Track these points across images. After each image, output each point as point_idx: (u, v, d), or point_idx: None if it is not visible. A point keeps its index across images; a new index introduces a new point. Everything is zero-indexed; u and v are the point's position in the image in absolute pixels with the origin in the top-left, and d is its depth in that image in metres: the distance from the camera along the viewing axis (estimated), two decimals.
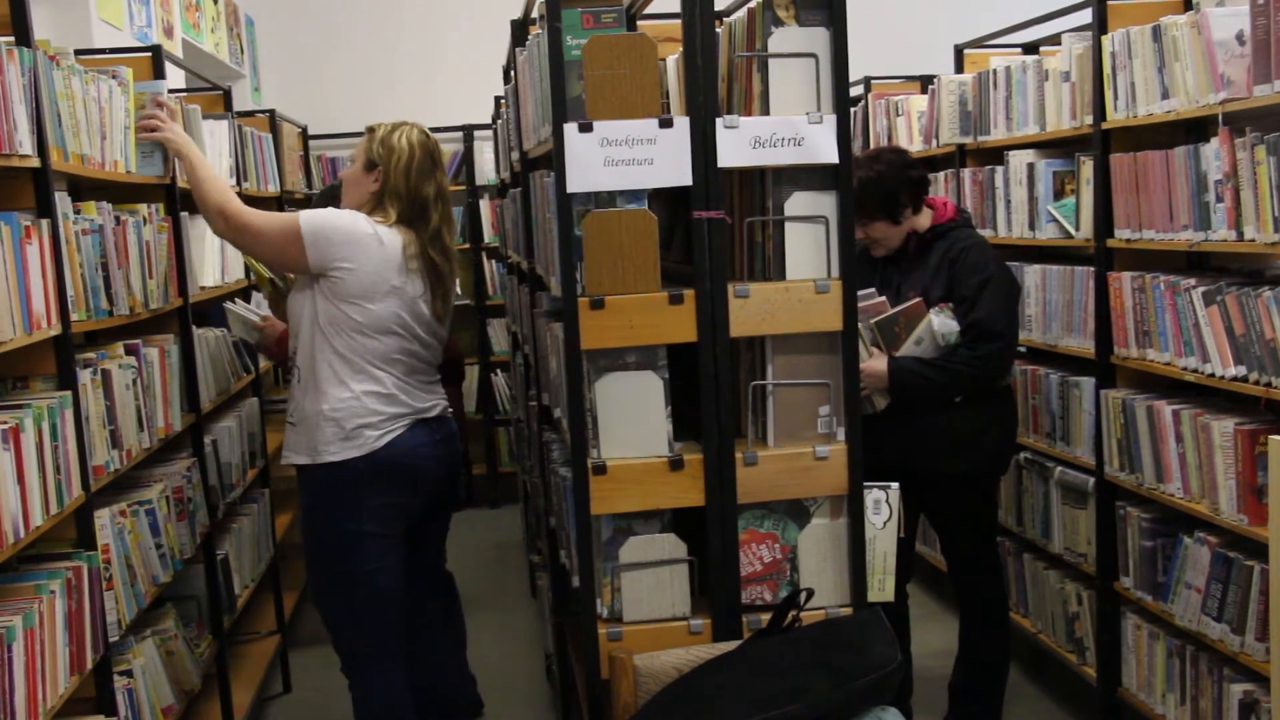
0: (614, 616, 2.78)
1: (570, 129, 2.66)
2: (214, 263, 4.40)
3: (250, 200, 5.13)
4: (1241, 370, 3.21)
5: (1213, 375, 3.32)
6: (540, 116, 3.12)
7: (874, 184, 3.66)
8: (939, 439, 3.67)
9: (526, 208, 3.91)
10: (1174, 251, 3.61)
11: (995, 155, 4.72)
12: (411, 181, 3.38)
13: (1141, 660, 3.83)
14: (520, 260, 4.56)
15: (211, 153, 4.45)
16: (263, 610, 4.97)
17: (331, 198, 4.13)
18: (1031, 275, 4.37)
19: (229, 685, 4.15)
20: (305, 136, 7.48)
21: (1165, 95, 3.49)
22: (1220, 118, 3.24)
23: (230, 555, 4.30)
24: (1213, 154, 3.27)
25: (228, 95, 5.04)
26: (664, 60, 3.22)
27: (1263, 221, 3.07)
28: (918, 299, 3.64)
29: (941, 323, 3.59)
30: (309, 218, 3.28)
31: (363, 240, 3.26)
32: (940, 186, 5.13)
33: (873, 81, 6.31)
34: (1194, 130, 3.64)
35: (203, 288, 4.22)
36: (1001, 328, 3.60)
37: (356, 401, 3.26)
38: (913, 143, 5.57)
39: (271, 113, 6.12)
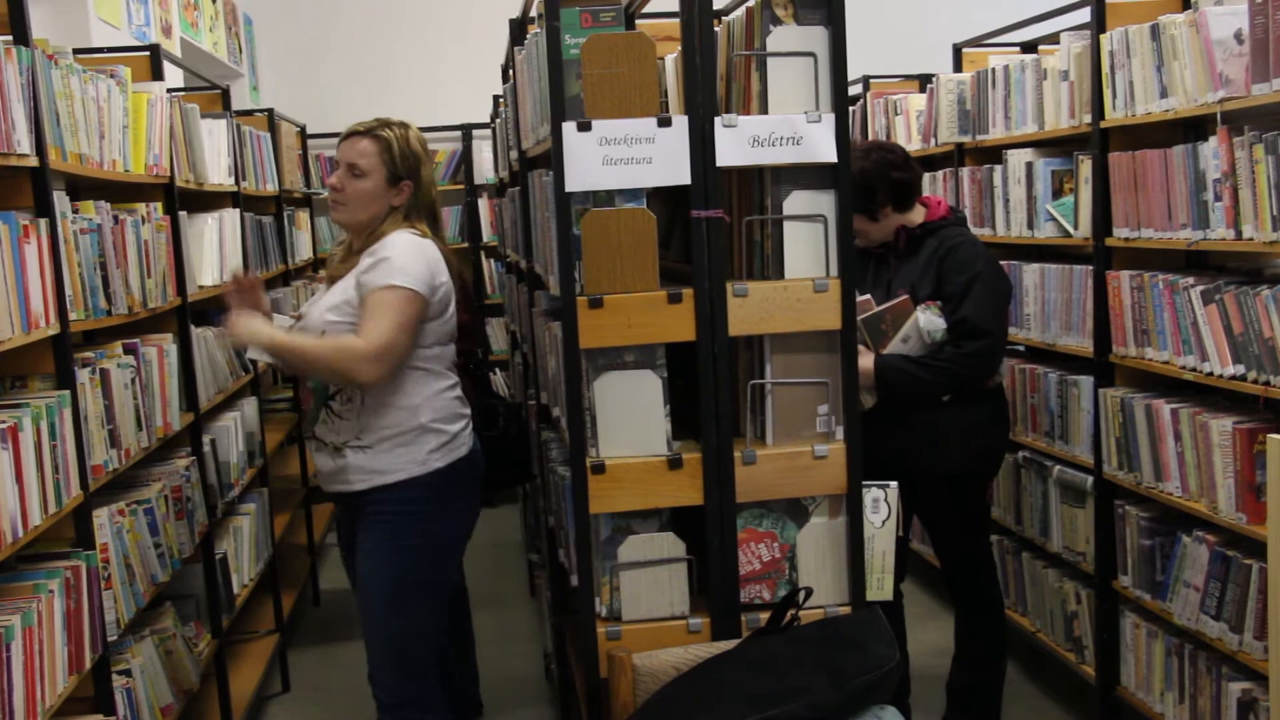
0: (613, 615, 2.78)
1: (569, 128, 2.66)
2: (213, 261, 4.40)
3: (249, 200, 5.16)
4: (1240, 369, 3.21)
5: (1211, 374, 3.32)
6: (538, 115, 3.12)
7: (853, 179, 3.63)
8: (927, 438, 3.65)
9: (525, 207, 3.91)
10: (1172, 250, 3.61)
11: (994, 154, 4.72)
12: (435, 189, 3.36)
13: (1140, 659, 3.83)
14: (519, 259, 4.56)
15: (210, 152, 4.46)
16: (262, 609, 4.97)
17: None
18: (1030, 274, 4.37)
19: (228, 684, 4.16)
20: (304, 135, 7.48)
21: (1164, 94, 3.49)
22: (1219, 117, 3.24)
23: (229, 554, 4.30)
24: (1211, 153, 3.27)
25: (226, 94, 5.04)
26: (662, 59, 3.21)
27: (1261, 220, 3.07)
28: (904, 296, 3.63)
29: (927, 320, 3.58)
30: (415, 278, 3.07)
31: (437, 260, 3.19)
32: (939, 185, 5.13)
33: (871, 80, 6.31)
34: (1193, 129, 3.64)
35: (201, 287, 4.23)
36: (989, 325, 3.59)
37: (449, 404, 3.22)
38: (911, 142, 5.57)
39: (270, 112, 6.12)
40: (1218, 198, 3.26)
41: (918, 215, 3.77)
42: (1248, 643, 3.24)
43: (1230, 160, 3.18)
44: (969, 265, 3.61)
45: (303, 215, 6.95)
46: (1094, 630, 4.06)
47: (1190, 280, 3.40)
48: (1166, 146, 3.50)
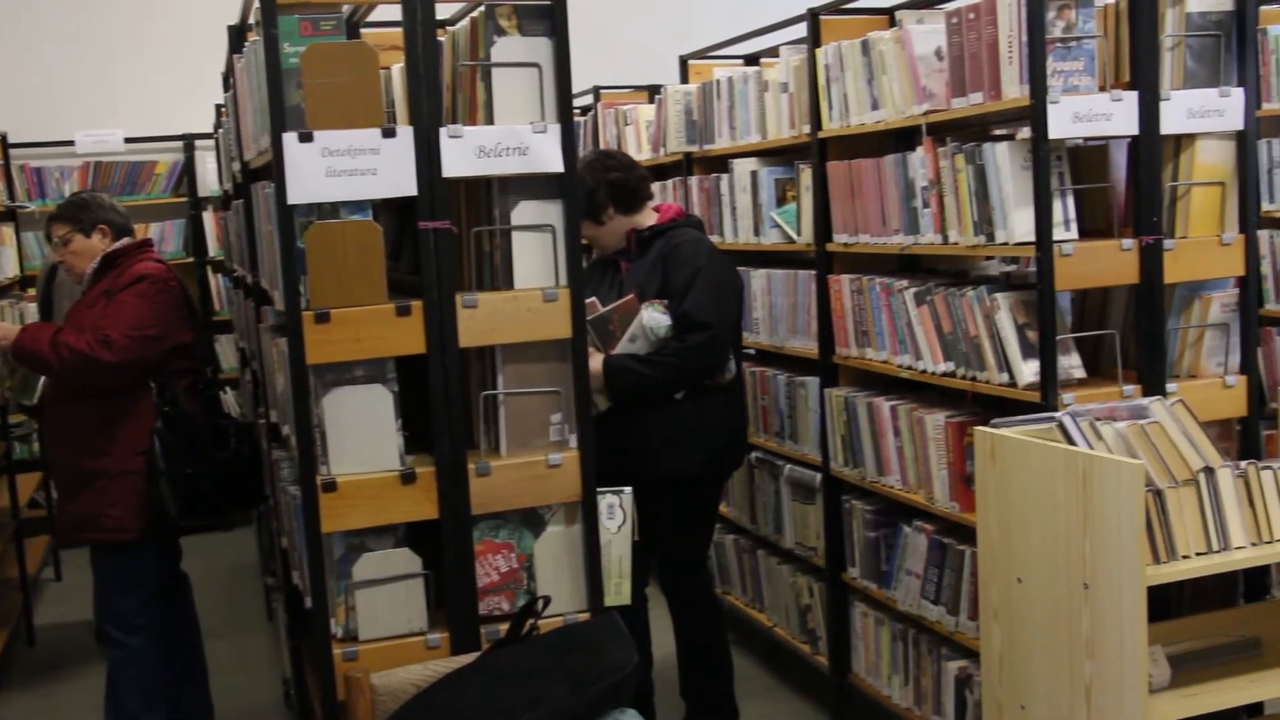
0: (349, 636, 2.72)
1: (290, 139, 2.59)
2: None
3: None
4: (950, 366, 3.40)
5: (925, 371, 3.50)
6: (259, 126, 3.03)
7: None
8: (660, 438, 3.72)
9: (249, 220, 3.79)
10: (888, 255, 3.78)
11: (720, 163, 4.85)
12: None
13: (869, 646, 4.00)
14: (245, 274, 4.42)
15: None
16: None
17: (82, 208, 4.00)
18: (757, 279, 4.51)
19: None
20: (4, 144, 7.03)
21: (875, 106, 3.65)
22: (924, 128, 3.43)
23: None
24: (919, 162, 3.45)
25: None
26: (387, 69, 3.17)
27: (963, 226, 3.26)
28: (630, 296, 3.70)
29: (650, 316, 3.66)
30: None
31: None
32: (669, 194, 5.23)
33: (602, 91, 6.38)
34: (903, 139, 3.82)
35: None
36: (708, 318, 3.65)
37: None
38: (641, 151, 5.65)
39: None
40: (926, 204, 3.44)
41: (648, 219, 3.87)
42: (963, 624, 3.43)
43: (935, 169, 3.36)
44: (691, 261, 3.70)
45: (6, 230, 6.53)
46: (826, 621, 4.22)
47: (904, 283, 3.58)
48: (879, 156, 3.67)
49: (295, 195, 2.61)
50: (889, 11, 3.95)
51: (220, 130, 6.08)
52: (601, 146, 6.16)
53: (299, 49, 2.63)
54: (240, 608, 5.91)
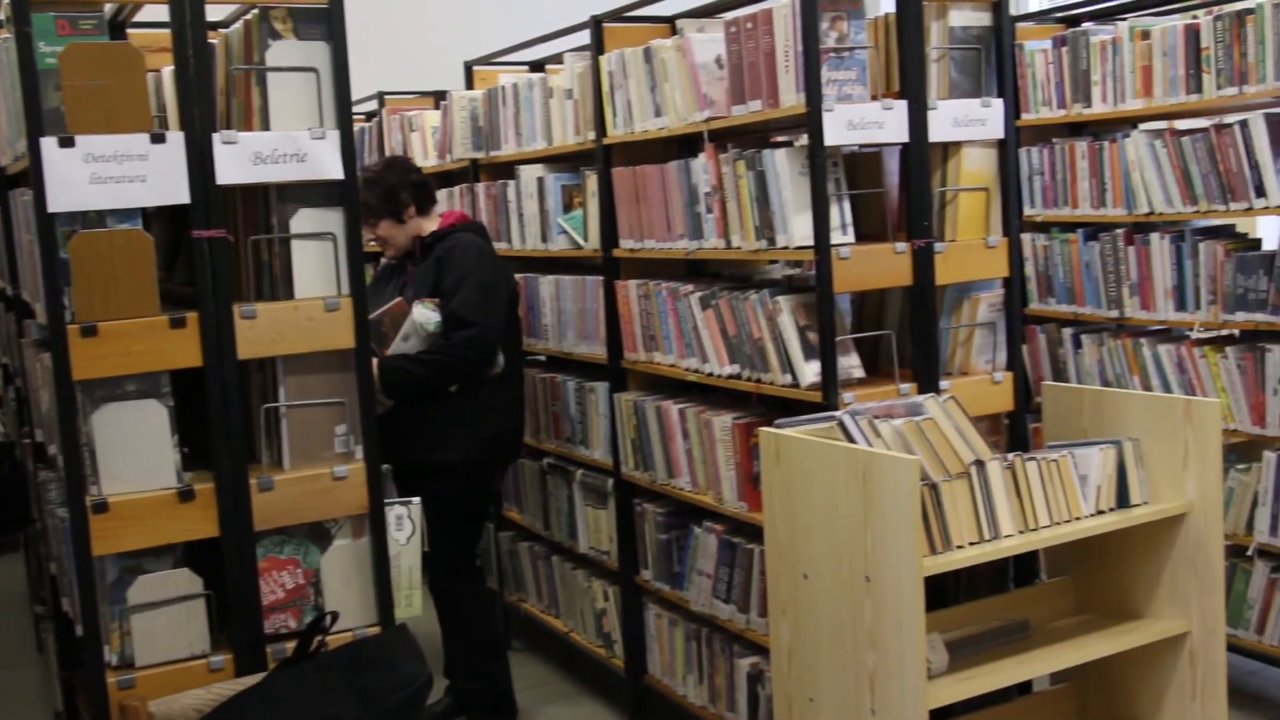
0: (125, 663, 2.61)
1: (48, 143, 2.48)
2: None
3: None
4: (736, 368, 3.46)
5: (712, 374, 3.56)
6: (15, 129, 2.88)
7: (376, 182, 3.90)
8: (432, 429, 3.85)
9: (8, 228, 3.60)
10: (673, 260, 3.83)
11: (507, 170, 4.83)
12: None
13: (664, 646, 4.05)
14: (5, 286, 4.19)
15: None
16: None
17: None
18: (546, 286, 4.51)
19: None
20: None
21: (658, 113, 3.70)
22: (705, 135, 3.48)
23: None
24: (701, 168, 3.51)
25: None
26: (158, 71, 3.06)
27: (745, 231, 3.33)
28: (399, 299, 3.82)
29: (420, 313, 3.79)
30: None
31: None
32: (456, 200, 5.19)
33: (387, 96, 6.29)
34: (686, 146, 3.88)
35: None
36: (474, 317, 3.81)
37: None
38: (428, 157, 5.59)
39: None
40: (709, 210, 3.50)
41: (432, 224, 4.02)
42: (754, 621, 3.50)
43: (718, 175, 3.42)
44: (461, 264, 3.87)
45: None
46: (621, 624, 4.25)
47: (690, 288, 3.63)
48: (663, 162, 3.72)
49: (56, 203, 2.50)
50: (670, 20, 4.00)
51: None
52: (387, 152, 6.08)
53: (56, 48, 2.52)
54: (7, 640, 5.60)
